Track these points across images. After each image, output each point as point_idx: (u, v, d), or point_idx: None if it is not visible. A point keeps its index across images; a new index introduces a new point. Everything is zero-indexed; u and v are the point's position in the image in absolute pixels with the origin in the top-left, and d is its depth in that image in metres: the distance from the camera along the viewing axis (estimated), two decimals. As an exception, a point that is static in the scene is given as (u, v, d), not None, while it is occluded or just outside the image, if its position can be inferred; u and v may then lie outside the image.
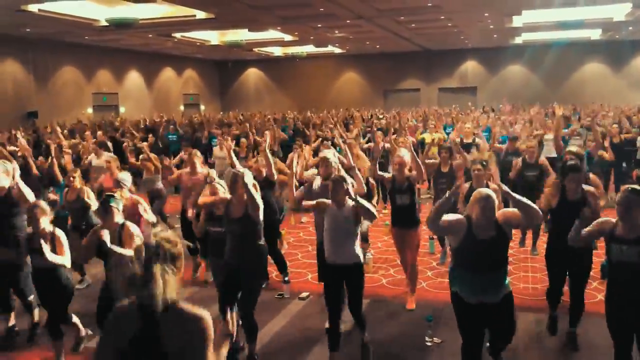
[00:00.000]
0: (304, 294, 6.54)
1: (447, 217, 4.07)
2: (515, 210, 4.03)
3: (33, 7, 16.08)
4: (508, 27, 22.89)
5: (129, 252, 4.34)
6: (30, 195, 5.42)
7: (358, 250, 4.85)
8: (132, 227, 4.70)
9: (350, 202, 4.82)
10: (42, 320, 5.48)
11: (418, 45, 28.95)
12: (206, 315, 2.27)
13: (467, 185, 6.55)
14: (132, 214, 5.83)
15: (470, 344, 4.17)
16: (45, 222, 4.84)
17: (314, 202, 5.09)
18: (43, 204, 5.02)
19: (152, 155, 9.31)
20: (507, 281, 4.18)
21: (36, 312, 5.60)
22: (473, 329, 4.18)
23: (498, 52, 30.72)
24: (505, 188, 4.07)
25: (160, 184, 9.12)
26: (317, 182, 5.76)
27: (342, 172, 5.42)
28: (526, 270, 7.38)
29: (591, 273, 5.31)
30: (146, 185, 9.22)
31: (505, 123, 13.32)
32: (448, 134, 13.16)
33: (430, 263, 7.70)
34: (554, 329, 5.34)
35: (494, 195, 4.02)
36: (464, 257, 4.10)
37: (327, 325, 5.40)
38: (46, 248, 4.63)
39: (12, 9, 15.83)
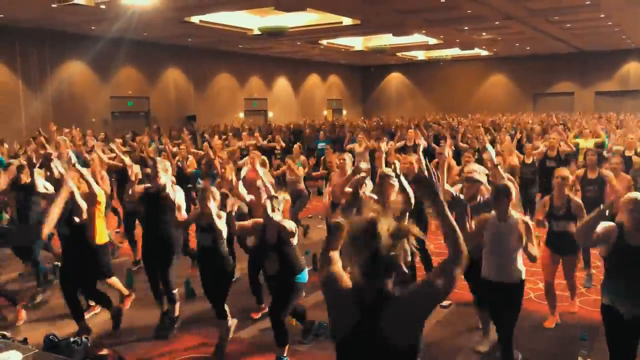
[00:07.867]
0: (446, 303, 6.40)
1: (597, 228, 3.79)
2: None
3: (195, 19, 17.53)
4: (679, 24, 20.82)
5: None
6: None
7: (521, 266, 4.53)
8: (289, 223, 4.95)
9: (515, 215, 4.53)
10: (181, 315, 5.88)
11: (572, 46, 27.24)
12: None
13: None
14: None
15: None
16: (213, 205, 5.12)
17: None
18: (214, 189, 5.33)
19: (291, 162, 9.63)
20: None
21: (177, 306, 5.82)
22: (623, 345, 3.85)
23: (666, 52, 28.02)
24: None
25: (302, 185, 9.44)
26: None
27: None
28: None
29: None
30: (289, 186, 9.59)
31: None
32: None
33: (583, 279, 7.20)
34: None
35: None
36: (616, 265, 3.80)
37: (480, 348, 5.25)
38: (217, 220, 5.07)
39: (177, 21, 17.33)
